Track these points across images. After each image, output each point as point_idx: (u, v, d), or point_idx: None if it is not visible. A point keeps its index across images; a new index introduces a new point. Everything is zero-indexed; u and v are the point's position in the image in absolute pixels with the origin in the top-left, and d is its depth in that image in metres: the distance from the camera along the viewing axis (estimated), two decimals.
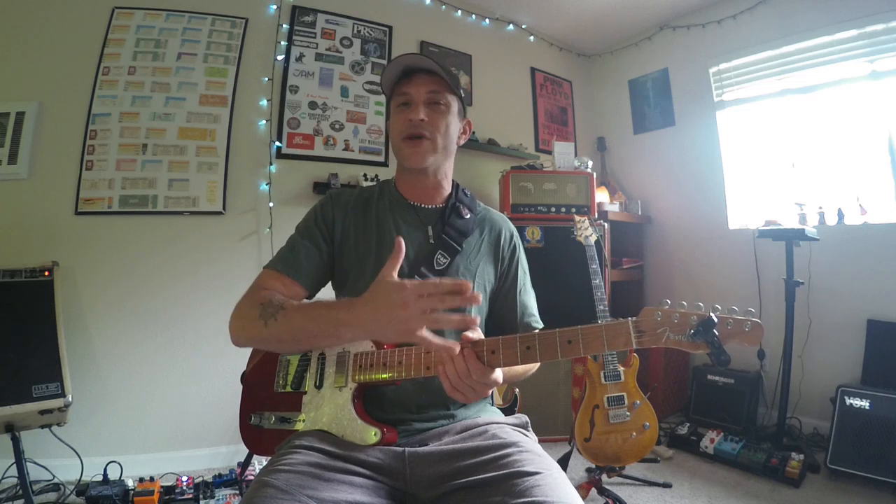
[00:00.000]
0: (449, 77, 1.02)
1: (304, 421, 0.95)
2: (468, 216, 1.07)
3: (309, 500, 0.74)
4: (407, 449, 0.88)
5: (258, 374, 1.04)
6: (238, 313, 0.95)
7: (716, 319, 0.68)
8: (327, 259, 1.03)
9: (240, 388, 1.10)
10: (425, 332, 0.75)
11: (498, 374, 0.81)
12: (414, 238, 1.04)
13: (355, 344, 0.94)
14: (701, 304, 0.70)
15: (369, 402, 0.94)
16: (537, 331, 0.80)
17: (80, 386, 1.96)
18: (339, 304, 0.87)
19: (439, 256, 1.01)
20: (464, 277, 1.02)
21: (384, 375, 0.88)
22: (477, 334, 0.81)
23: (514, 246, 1.12)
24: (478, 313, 1.05)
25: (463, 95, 1.07)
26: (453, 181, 1.13)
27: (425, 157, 1.01)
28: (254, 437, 1.02)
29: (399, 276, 0.95)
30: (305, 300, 1.00)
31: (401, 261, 0.80)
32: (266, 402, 1.01)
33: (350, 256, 1.03)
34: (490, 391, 0.81)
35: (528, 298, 1.12)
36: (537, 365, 1.05)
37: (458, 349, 0.77)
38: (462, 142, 1.11)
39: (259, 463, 2.08)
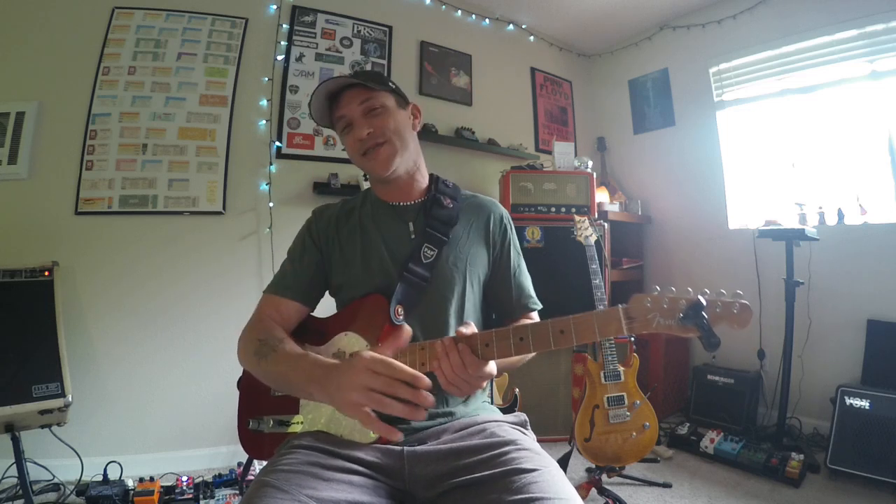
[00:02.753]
0: (370, 79, 1.01)
1: (302, 423, 0.96)
2: (451, 205, 1.07)
3: (308, 500, 0.75)
4: (405, 448, 0.88)
5: (254, 379, 1.04)
6: (241, 343, 0.99)
7: (704, 302, 0.68)
8: (318, 272, 1.06)
9: None
10: (366, 410, 0.73)
11: (492, 366, 0.82)
12: (396, 236, 1.04)
13: (351, 344, 0.95)
14: (690, 290, 0.70)
15: None
16: (530, 322, 0.81)
17: (80, 386, 1.96)
18: (322, 361, 0.84)
19: (426, 249, 1.00)
20: (454, 268, 1.02)
21: None
22: (470, 329, 0.81)
23: (505, 228, 1.11)
24: (475, 305, 1.06)
25: (394, 87, 1.06)
26: (431, 174, 1.13)
27: (389, 161, 1.00)
28: (253, 442, 1.02)
29: (387, 274, 0.98)
30: (298, 342, 1.01)
31: (394, 351, 0.82)
32: (264, 407, 1.01)
33: (338, 266, 1.05)
34: (485, 383, 0.82)
35: (524, 279, 1.12)
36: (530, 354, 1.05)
37: (398, 437, 0.75)
38: (417, 128, 1.10)
39: (259, 466, 2.08)
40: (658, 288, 0.72)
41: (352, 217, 1.09)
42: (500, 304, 1.11)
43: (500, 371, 1.01)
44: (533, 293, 1.12)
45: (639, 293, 0.73)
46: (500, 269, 1.09)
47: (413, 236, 1.04)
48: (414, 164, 1.08)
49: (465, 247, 1.05)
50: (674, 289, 0.71)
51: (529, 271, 1.16)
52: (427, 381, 0.74)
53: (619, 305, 0.73)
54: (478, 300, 1.07)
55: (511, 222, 1.14)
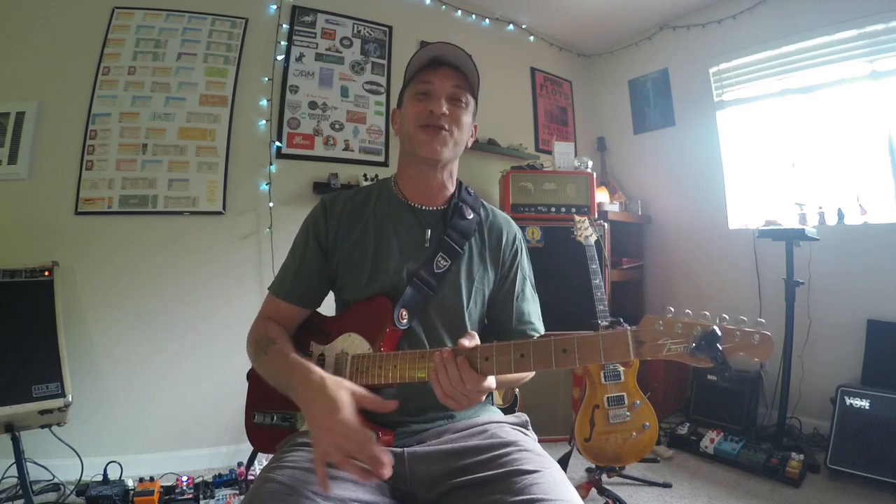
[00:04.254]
0: (475, 77, 0.99)
1: (303, 420, 0.96)
2: (471, 216, 1.04)
3: (314, 497, 0.75)
4: (406, 450, 0.89)
5: None
6: (247, 344, 1.02)
7: (720, 333, 0.63)
8: (319, 273, 1.03)
9: (240, 388, 1.11)
10: (325, 463, 0.72)
11: (491, 381, 0.79)
12: (412, 242, 1.01)
13: (353, 346, 0.95)
14: (707, 314, 0.65)
15: None
16: (532, 339, 0.78)
17: (80, 386, 1.96)
18: (299, 376, 0.83)
19: (440, 259, 0.98)
20: (463, 283, 1.00)
21: (379, 379, 0.88)
22: (474, 341, 0.79)
23: (516, 250, 1.08)
24: (476, 320, 1.04)
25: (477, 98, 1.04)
26: (457, 180, 1.09)
27: (442, 148, 0.96)
28: (257, 435, 1.04)
29: (397, 279, 0.96)
30: (292, 344, 1.00)
31: (373, 406, 0.78)
32: (269, 401, 1.02)
33: (345, 263, 1.01)
34: (483, 397, 0.80)
35: (526, 305, 1.07)
36: (532, 373, 1.03)
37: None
38: (469, 144, 1.07)
39: (260, 463, 2.08)
40: (672, 309, 0.67)
41: (364, 211, 1.04)
42: (498, 325, 1.07)
43: (500, 386, 1.00)
44: (535, 319, 1.07)
45: (650, 315, 0.68)
46: (502, 291, 1.06)
47: (428, 245, 1.01)
48: (451, 170, 1.05)
49: (476, 262, 1.03)
50: (689, 311, 0.66)
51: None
52: (387, 462, 0.71)
53: (628, 328, 0.68)
54: (480, 316, 1.05)
55: (523, 243, 1.10)
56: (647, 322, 0.68)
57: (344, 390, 0.78)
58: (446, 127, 0.96)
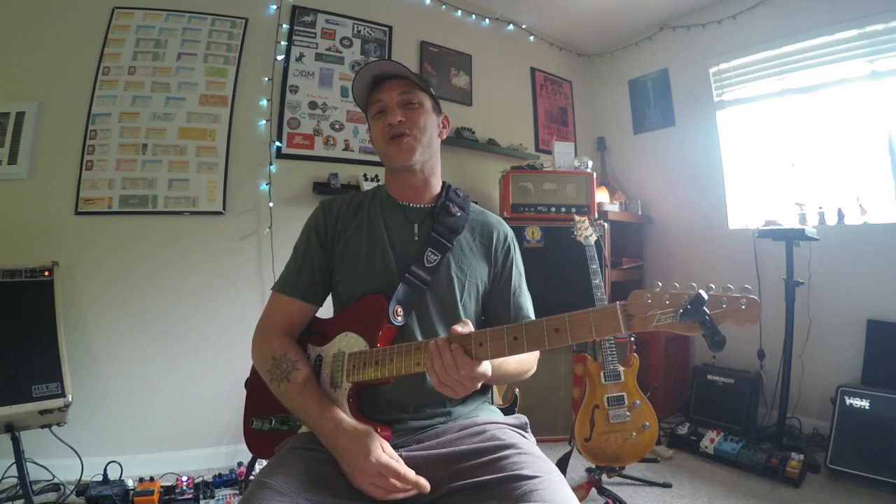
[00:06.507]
0: (416, 77, 1.04)
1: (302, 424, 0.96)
2: (459, 214, 1.07)
3: (306, 503, 0.75)
4: (403, 452, 0.88)
5: (260, 379, 1.05)
6: (255, 349, 1.02)
7: (706, 297, 0.64)
8: (323, 269, 1.06)
9: (240, 388, 1.11)
10: (381, 493, 0.79)
11: (486, 366, 0.80)
12: (401, 236, 1.04)
13: (351, 345, 0.95)
14: (694, 285, 0.66)
15: (366, 403, 0.95)
16: (524, 322, 0.79)
17: (80, 386, 1.96)
18: (326, 417, 0.87)
19: (429, 254, 1.00)
20: (455, 276, 1.02)
21: (377, 374, 0.88)
22: (467, 328, 0.80)
23: (509, 247, 1.11)
24: (471, 315, 1.04)
25: (434, 93, 1.09)
26: (444, 182, 1.13)
27: (411, 153, 1.01)
28: (256, 441, 1.03)
29: (389, 273, 0.99)
30: (309, 371, 0.99)
31: (399, 463, 0.83)
32: (267, 407, 1.02)
33: (342, 258, 1.04)
34: (479, 385, 0.81)
35: (524, 300, 1.10)
36: (532, 368, 1.05)
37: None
38: (444, 136, 1.12)
39: (261, 465, 2.08)
40: (660, 283, 0.69)
41: (360, 211, 1.08)
42: (496, 322, 1.07)
43: (497, 382, 1.00)
44: (531, 314, 1.10)
45: (638, 289, 0.69)
46: (499, 288, 1.08)
47: (416, 238, 1.04)
48: (432, 167, 1.09)
49: (467, 257, 1.05)
50: (677, 284, 0.68)
51: (529, 271, 1.16)
52: (426, 484, 0.80)
53: (618, 302, 0.70)
54: (475, 310, 1.06)
55: (515, 241, 1.14)
56: (635, 296, 0.69)
57: (373, 436, 0.84)
58: (407, 132, 1.01)
